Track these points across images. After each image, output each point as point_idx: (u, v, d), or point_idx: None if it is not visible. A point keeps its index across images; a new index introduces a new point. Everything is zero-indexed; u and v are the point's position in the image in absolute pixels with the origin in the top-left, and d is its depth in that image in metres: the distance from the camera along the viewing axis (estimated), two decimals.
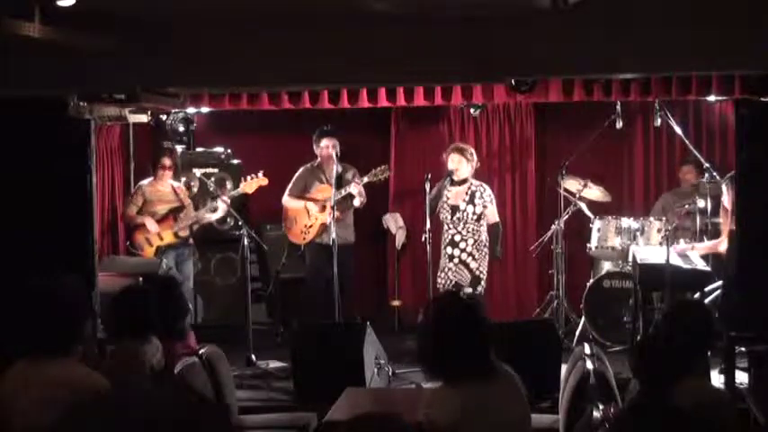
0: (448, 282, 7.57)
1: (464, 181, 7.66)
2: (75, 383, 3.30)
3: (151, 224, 7.80)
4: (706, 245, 7.28)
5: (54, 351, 3.40)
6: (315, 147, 7.91)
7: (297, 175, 7.98)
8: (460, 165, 7.58)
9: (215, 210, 7.87)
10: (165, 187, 7.99)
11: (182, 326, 4.78)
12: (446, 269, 7.60)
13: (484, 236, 7.65)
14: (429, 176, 7.56)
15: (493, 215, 7.75)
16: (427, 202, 7.47)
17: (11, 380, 3.40)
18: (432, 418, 3.38)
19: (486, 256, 7.67)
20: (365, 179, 7.77)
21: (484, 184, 7.80)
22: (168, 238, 7.85)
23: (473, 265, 7.61)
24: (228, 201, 7.78)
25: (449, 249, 7.62)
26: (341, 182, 7.80)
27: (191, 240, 8.09)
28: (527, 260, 8.92)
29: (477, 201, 7.64)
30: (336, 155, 7.72)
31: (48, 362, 3.38)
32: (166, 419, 1.46)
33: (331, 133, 7.88)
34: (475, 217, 7.62)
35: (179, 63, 6.50)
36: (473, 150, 7.82)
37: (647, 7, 6.03)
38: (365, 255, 8.96)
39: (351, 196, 7.79)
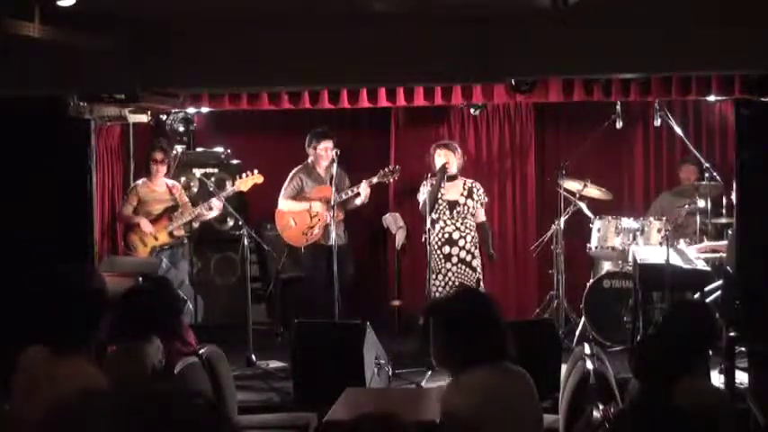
0: (449, 284, 7.50)
1: (455, 176, 7.65)
2: (82, 383, 3.30)
3: (146, 225, 7.80)
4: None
5: (65, 346, 3.39)
6: (310, 149, 7.87)
7: (291, 177, 7.90)
8: (450, 159, 7.58)
9: (211, 208, 7.87)
10: (159, 186, 7.99)
11: (178, 324, 4.80)
12: (444, 270, 7.52)
13: (475, 233, 7.67)
14: (429, 176, 7.57)
15: (482, 214, 7.79)
16: (423, 199, 7.44)
17: (23, 372, 3.41)
18: (449, 410, 3.39)
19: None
20: (375, 180, 7.75)
21: (477, 182, 7.81)
22: (163, 238, 7.85)
23: (475, 263, 7.59)
24: (223, 198, 7.78)
25: (446, 249, 7.54)
26: (339, 184, 7.78)
27: (185, 240, 8.10)
28: (527, 260, 8.92)
29: (475, 196, 7.66)
30: (334, 156, 7.69)
31: (59, 358, 3.37)
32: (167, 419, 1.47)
33: (328, 135, 7.86)
34: (473, 211, 7.64)
35: (179, 63, 6.51)
36: (457, 146, 7.82)
37: (647, 7, 6.03)
38: (365, 255, 8.96)
39: (355, 195, 7.78)
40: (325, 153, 7.78)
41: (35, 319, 3.53)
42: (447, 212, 7.59)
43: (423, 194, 7.57)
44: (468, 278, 7.55)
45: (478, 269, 7.61)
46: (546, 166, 9.04)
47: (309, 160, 7.91)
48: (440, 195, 7.57)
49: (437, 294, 7.43)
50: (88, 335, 3.46)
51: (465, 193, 7.63)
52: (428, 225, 7.37)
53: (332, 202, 7.57)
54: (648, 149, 8.95)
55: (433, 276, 7.50)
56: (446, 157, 7.57)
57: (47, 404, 3.16)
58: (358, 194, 7.74)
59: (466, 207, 7.60)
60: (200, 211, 7.92)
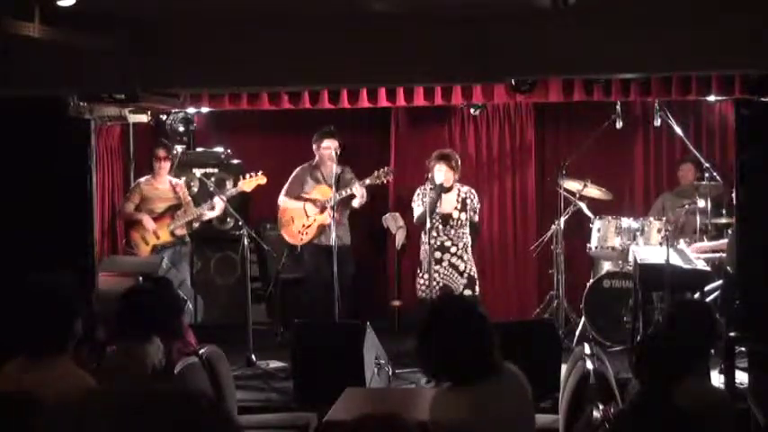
0: (434, 284, 7.52)
1: (451, 188, 7.66)
2: (71, 383, 3.30)
3: (148, 222, 7.80)
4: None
5: (49, 349, 3.40)
6: (315, 147, 7.89)
7: (294, 174, 7.95)
8: (447, 175, 7.56)
9: (213, 207, 7.88)
10: (163, 184, 8.00)
11: (178, 324, 4.80)
12: (432, 271, 7.53)
13: (467, 239, 7.71)
14: (429, 176, 7.57)
15: (476, 218, 7.91)
16: (418, 213, 7.56)
17: (8, 379, 3.40)
18: (436, 419, 3.38)
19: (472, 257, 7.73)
20: (367, 181, 7.74)
21: (472, 190, 7.83)
22: (164, 236, 7.86)
23: (462, 266, 7.62)
24: (225, 199, 7.78)
25: (437, 254, 7.61)
26: (339, 183, 7.79)
27: (187, 239, 8.10)
28: (527, 260, 8.92)
29: (468, 207, 7.68)
30: (336, 156, 7.70)
31: (43, 360, 3.38)
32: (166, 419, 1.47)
33: (333, 134, 7.86)
34: (466, 223, 7.68)
35: (179, 63, 6.50)
36: (457, 156, 7.80)
37: (647, 7, 6.04)
38: (365, 255, 8.96)
39: (351, 197, 7.78)
40: (327, 152, 7.78)
41: (13, 326, 3.53)
42: (440, 225, 7.63)
43: (417, 207, 7.63)
44: (453, 281, 7.59)
45: (471, 271, 7.63)
46: (546, 166, 9.04)
47: (315, 159, 7.93)
48: (436, 208, 7.59)
49: (421, 293, 7.50)
50: (64, 341, 3.47)
51: (459, 206, 7.66)
52: (428, 226, 7.39)
53: (331, 203, 7.58)
54: (648, 149, 8.95)
55: (420, 274, 7.58)
56: (444, 174, 7.54)
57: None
58: (353, 196, 7.74)
59: (459, 221, 7.64)
60: (203, 211, 7.93)
